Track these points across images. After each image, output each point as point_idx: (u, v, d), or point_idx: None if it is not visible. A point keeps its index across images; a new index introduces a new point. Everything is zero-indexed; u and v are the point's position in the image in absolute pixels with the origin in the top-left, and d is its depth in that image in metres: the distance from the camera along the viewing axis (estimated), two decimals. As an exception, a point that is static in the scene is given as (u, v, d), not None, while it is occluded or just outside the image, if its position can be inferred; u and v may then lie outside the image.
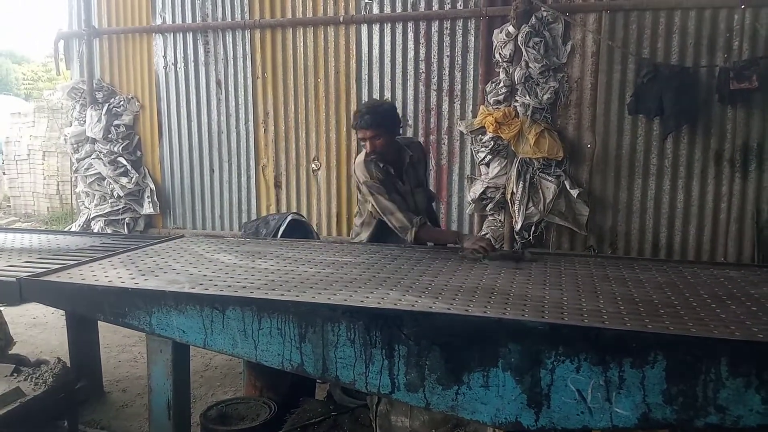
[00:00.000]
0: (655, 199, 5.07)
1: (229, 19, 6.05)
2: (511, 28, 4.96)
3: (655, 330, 1.88)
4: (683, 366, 1.79)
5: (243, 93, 6.12)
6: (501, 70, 5.13)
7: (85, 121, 6.41)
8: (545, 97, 4.95)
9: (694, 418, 1.79)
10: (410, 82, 5.58)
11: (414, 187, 3.44)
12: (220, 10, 6.07)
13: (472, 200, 5.36)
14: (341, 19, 5.66)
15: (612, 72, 5.00)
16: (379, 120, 3.20)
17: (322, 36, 5.80)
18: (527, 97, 4.95)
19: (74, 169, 6.78)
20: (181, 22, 6.19)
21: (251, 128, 6.15)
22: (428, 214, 3.67)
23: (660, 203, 5.07)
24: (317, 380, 3.29)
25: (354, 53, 5.71)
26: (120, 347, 4.72)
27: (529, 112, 4.96)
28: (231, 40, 6.08)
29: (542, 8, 4.94)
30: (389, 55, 5.61)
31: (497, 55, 5.10)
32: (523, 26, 4.89)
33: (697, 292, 2.35)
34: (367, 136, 3.22)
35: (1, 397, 2.33)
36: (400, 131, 3.42)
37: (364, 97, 5.71)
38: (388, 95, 5.64)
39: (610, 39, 4.95)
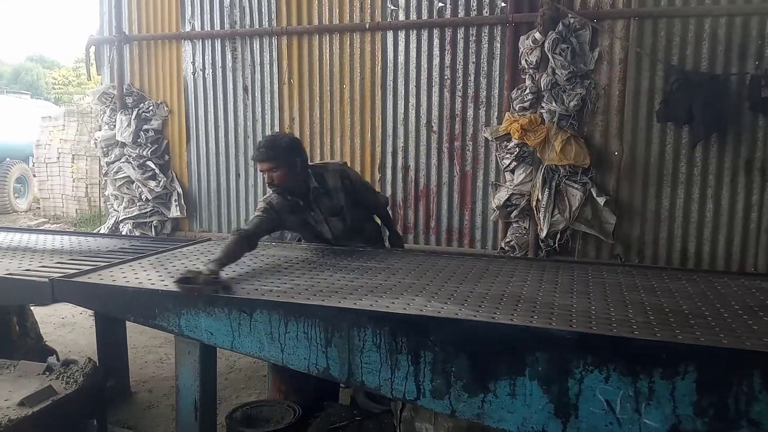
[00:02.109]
0: (683, 208, 5.00)
1: (257, 26, 6.11)
2: (537, 35, 4.94)
3: (686, 341, 1.86)
4: (715, 378, 1.76)
5: (269, 98, 6.18)
6: (527, 76, 5.10)
7: (115, 126, 6.53)
8: (572, 103, 4.91)
9: (725, 432, 1.76)
10: (435, 89, 5.59)
11: (329, 216, 3.49)
12: (248, 17, 6.14)
13: (496, 207, 5.34)
14: (367, 26, 5.69)
15: (640, 79, 4.95)
16: (274, 153, 3.26)
17: (348, 43, 5.83)
18: (553, 104, 4.92)
19: (104, 172, 6.90)
20: (209, 29, 6.28)
21: (277, 133, 6.20)
22: (375, 232, 3.80)
23: (689, 212, 4.99)
24: (341, 385, 3.31)
25: (379, 60, 5.74)
26: (146, 348, 4.79)
27: (555, 119, 4.93)
28: (258, 47, 6.15)
29: (569, 15, 4.91)
30: (414, 61, 5.62)
31: (523, 62, 5.09)
32: (549, 33, 4.87)
33: (728, 303, 2.32)
34: (264, 168, 3.31)
35: (35, 395, 2.38)
36: (300, 163, 3.37)
37: (389, 104, 5.73)
38: (412, 101, 5.66)
39: (638, 46, 4.90)
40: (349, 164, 5.77)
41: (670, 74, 4.83)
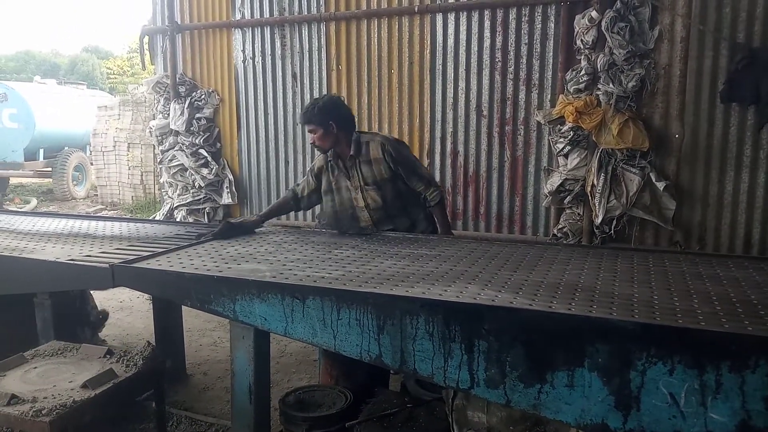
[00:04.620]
0: (747, 193, 4.76)
1: (305, 13, 6.11)
2: (594, 14, 4.76)
3: (757, 332, 1.76)
4: (789, 372, 1.67)
5: (318, 85, 6.19)
6: (582, 57, 4.94)
7: (169, 115, 6.67)
8: (630, 84, 4.72)
9: (801, 429, 1.67)
10: (485, 72, 5.47)
11: (367, 184, 3.54)
12: (296, 3, 6.15)
13: (549, 193, 5.21)
14: (416, 8, 5.61)
15: (703, 58, 4.72)
16: (310, 116, 3.50)
17: (396, 26, 5.77)
18: (611, 85, 4.75)
19: (159, 160, 7.07)
20: (259, 17, 6.32)
21: (325, 120, 6.20)
22: (414, 206, 3.70)
23: (754, 197, 4.75)
24: (391, 371, 3.30)
25: (428, 43, 5.66)
26: (201, 331, 4.91)
27: (612, 101, 4.75)
28: (307, 33, 6.16)
29: (628, -8, 4.72)
30: (464, 44, 5.52)
31: (579, 42, 4.92)
32: (607, 11, 4.69)
33: (801, 293, 2.19)
34: (307, 130, 3.63)
35: (97, 377, 2.46)
36: (336, 126, 3.50)
37: (438, 88, 5.66)
38: (462, 85, 5.57)
39: (701, 23, 4.67)
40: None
41: (735, 52, 4.59)
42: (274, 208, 4.02)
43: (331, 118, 3.49)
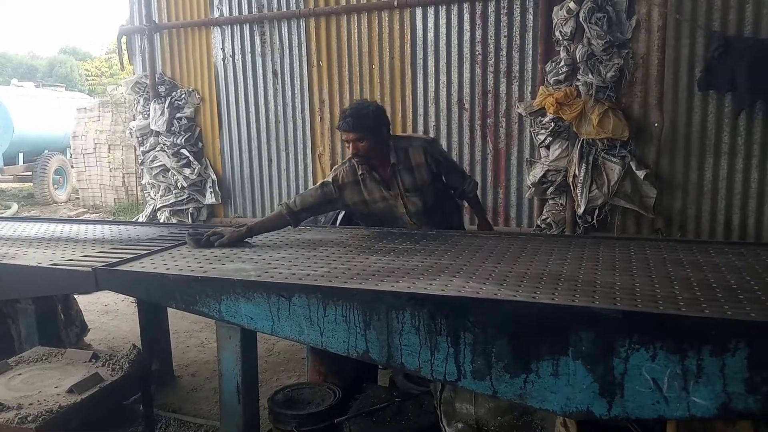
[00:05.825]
0: (727, 180, 4.82)
1: (285, 9, 6.08)
2: (572, 5, 4.78)
3: (736, 316, 1.80)
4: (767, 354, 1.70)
5: (299, 82, 6.17)
6: (562, 48, 4.96)
7: (149, 115, 6.61)
8: (609, 74, 4.76)
9: (780, 409, 1.71)
10: (466, 65, 5.49)
11: (408, 191, 3.38)
12: (275, 0, 6.11)
13: (531, 184, 5.24)
14: (395, 3, 5.60)
15: (680, 47, 4.76)
16: (362, 123, 3.17)
17: (377, 21, 5.76)
18: (590, 76, 4.79)
19: (140, 161, 7.01)
20: (237, 14, 6.27)
21: (307, 117, 6.19)
22: (455, 207, 3.75)
23: (732, 184, 4.82)
24: (379, 366, 3.32)
25: (408, 38, 5.65)
26: (188, 333, 4.88)
27: (592, 91, 4.79)
28: (286, 30, 6.12)
29: (605, -18, 4.75)
30: (444, 38, 5.52)
31: (557, 33, 4.94)
32: (584, 2, 4.71)
33: (779, 277, 2.23)
34: (349, 138, 3.21)
35: (82, 382, 2.44)
36: (385, 132, 3.34)
37: (419, 82, 5.66)
38: (443, 79, 5.57)
39: (677, 12, 4.71)
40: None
41: (711, 40, 4.63)
42: (265, 222, 3.48)
43: (382, 125, 3.28)
